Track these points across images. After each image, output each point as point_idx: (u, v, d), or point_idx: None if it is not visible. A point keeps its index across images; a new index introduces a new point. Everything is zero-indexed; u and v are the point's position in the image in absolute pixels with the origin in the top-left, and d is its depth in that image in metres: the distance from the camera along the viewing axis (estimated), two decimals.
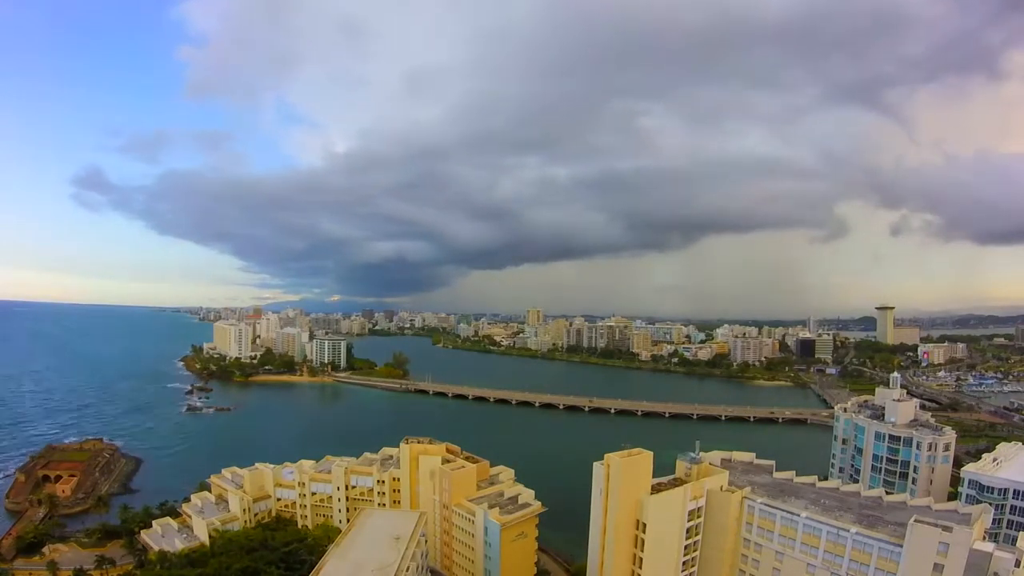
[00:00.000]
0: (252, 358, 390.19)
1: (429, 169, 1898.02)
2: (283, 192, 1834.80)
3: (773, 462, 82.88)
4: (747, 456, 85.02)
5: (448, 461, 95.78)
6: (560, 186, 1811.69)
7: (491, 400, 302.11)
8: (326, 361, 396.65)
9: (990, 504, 78.37)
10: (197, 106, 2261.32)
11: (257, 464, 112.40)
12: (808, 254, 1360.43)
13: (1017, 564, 53.40)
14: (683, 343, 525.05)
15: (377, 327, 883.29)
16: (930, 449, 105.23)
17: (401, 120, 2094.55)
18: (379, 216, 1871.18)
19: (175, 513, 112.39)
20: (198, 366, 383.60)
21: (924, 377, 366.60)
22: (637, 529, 66.50)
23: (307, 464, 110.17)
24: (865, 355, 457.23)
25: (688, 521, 67.71)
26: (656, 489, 68.31)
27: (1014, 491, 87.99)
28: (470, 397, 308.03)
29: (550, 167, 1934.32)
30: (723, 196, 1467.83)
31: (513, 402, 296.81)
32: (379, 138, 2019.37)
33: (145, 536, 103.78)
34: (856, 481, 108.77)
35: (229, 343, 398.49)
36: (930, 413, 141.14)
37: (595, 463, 68.00)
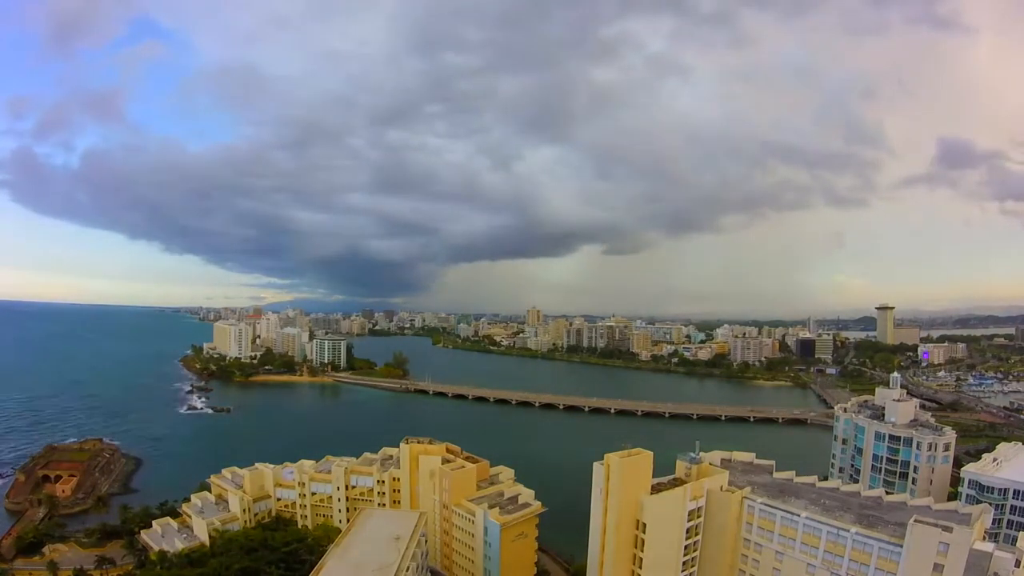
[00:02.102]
0: (252, 358, 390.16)
1: (385, 140, 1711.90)
2: (226, 175, 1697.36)
3: (773, 462, 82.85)
4: (747, 456, 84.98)
5: (448, 461, 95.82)
6: (556, 160, 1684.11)
7: (491, 400, 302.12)
8: (326, 361, 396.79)
9: (990, 504, 78.40)
10: (83, 66, 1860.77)
11: (257, 464, 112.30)
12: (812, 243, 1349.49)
13: (1017, 564, 53.43)
14: (683, 343, 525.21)
15: (377, 327, 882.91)
16: (930, 449, 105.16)
17: (324, 65, 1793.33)
18: (358, 209, 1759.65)
19: (175, 513, 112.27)
20: (198, 366, 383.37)
21: (924, 377, 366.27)
22: (637, 529, 66.51)
23: (307, 464, 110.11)
24: (865, 355, 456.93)
25: (688, 521, 67.66)
26: (656, 489, 68.33)
27: (1014, 491, 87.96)
28: (470, 397, 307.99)
29: (539, 140, 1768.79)
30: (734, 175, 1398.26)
31: (513, 402, 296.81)
32: (307, 94, 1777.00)
33: (145, 536, 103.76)
34: (856, 481, 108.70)
35: (229, 343, 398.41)
36: (930, 413, 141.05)
37: (595, 463, 67.96)
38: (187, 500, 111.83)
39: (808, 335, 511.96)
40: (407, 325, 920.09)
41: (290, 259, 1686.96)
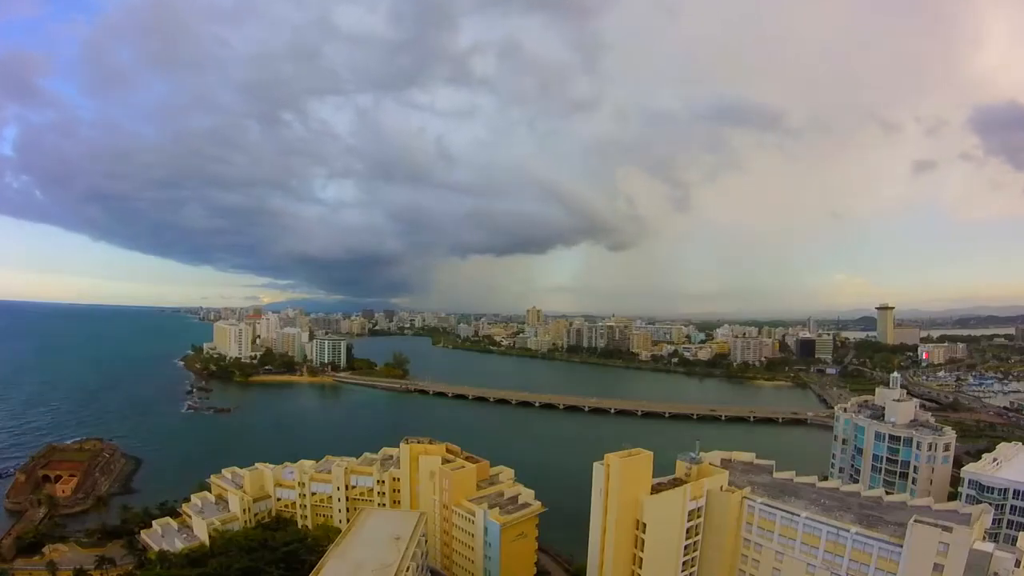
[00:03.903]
0: (252, 358, 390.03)
1: (374, 117, 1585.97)
2: (189, 160, 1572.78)
3: (773, 462, 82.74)
4: (747, 456, 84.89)
5: (448, 461, 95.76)
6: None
7: (491, 400, 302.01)
8: (326, 361, 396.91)
9: (990, 504, 78.27)
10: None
11: (257, 464, 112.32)
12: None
13: (1017, 564, 53.32)
14: (683, 343, 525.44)
15: (377, 327, 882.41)
16: (930, 449, 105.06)
17: None
18: (352, 203, 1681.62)
19: (175, 513, 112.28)
20: (198, 366, 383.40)
21: (924, 377, 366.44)
22: (637, 529, 66.49)
23: (307, 464, 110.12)
24: (865, 355, 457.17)
25: (688, 521, 67.64)
26: (656, 489, 68.28)
27: (1014, 491, 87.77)
28: (470, 397, 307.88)
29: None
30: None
31: (513, 402, 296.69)
32: (250, 44, 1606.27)
33: (145, 536, 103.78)
34: (856, 481, 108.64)
35: (229, 343, 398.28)
36: (930, 413, 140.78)
37: (595, 463, 67.92)
38: (187, 500, 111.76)
39: (808, 335, 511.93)
40: (407, 325, 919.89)
41: (286, 258, 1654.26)
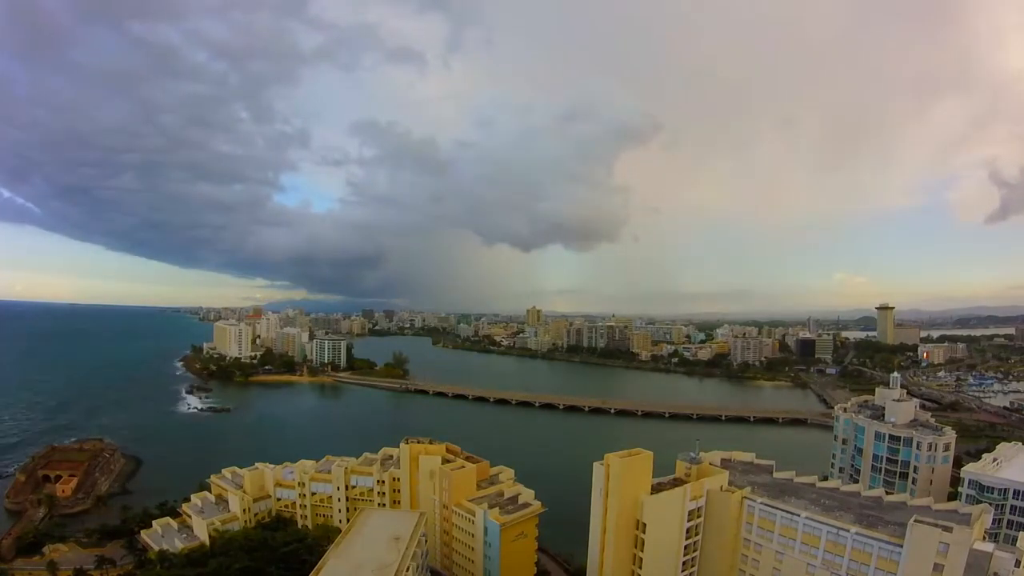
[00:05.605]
0: (252, 358, 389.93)
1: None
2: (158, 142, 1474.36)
3: (773, 462, 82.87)
4: (747, 456, 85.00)
5: (448, 461, 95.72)
6: None
7: (491, 400, 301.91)
8: (326, 361, 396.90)
9: (990, 504, 78.35)
10: None
11: (257, 464, 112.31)
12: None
13: (1017, 564, 53.36)
14: (683, 343, 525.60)
15: (377, 327, 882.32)
16: (930, 449, 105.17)
17: None
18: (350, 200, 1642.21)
19: (175, 513, 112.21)
20: (198, 366, 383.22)
21: (924, 377, 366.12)
22: (637, 529, 66.57)
23: (307, 464, 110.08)
24: (865, 355, 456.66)
25: (688, 521, 67.69)
26: (656, 489, 68.37)
27: (1014, 491, 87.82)
28: (470, 397, 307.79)
29: None
30: None
31: (513, 402, 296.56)
32: None
33: (145, 536, 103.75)
34: (856, 481, 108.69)
35: (229, 343, 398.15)
36: (930, 413, 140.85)
37: (595, 463, 68.04)
38: (187, 500, 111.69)
39: (808, 335, 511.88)
40: (407, 325, 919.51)
41: (284, 259, 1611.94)
